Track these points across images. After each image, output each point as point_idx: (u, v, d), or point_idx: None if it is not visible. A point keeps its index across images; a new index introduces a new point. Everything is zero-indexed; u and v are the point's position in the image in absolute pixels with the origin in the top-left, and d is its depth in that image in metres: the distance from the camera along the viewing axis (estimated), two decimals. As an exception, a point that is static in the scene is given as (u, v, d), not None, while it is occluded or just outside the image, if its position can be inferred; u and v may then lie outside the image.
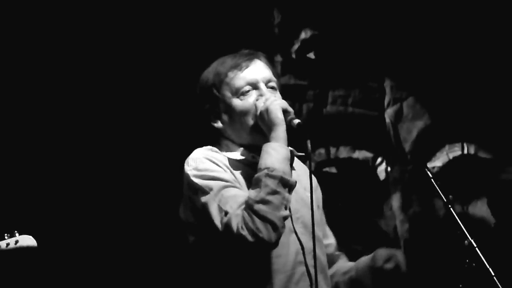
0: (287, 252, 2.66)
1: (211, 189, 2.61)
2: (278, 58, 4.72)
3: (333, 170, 4.67)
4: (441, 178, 4.68)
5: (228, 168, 2.69)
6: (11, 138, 4.20)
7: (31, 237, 2.90)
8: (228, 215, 2.54)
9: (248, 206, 2.53)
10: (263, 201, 2.52)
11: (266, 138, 2.67)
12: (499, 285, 2.87)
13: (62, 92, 4.32)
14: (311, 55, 4.76)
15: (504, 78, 4.64)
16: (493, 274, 2.90)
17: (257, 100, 2.71)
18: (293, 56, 4.74)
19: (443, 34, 4.68)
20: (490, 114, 4.69)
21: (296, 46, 4.76)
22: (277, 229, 2.52)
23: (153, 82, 4.42)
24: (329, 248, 2.93)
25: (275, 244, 2.54)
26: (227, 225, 2.54)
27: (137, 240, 4.30)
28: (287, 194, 2.57)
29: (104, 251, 4.27)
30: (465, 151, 4.76)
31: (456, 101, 4.69)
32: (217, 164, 2.67)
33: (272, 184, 2.54)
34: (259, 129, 2.70)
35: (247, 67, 2.74)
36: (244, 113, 2.71)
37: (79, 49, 4.34)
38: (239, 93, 2.72)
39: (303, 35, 4.76)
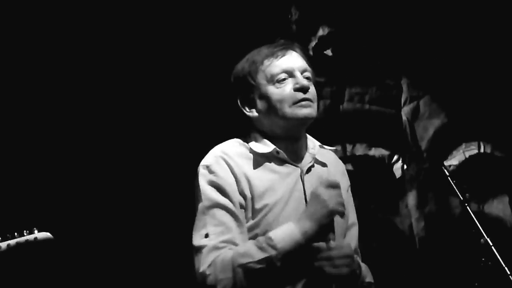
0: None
1: (208, 200, 2.62)
2: (296, 55, 4.71)
3: (350, 167, 4.67)
4: (458, 176, 4.67)
5: (245, 170, 2.67)
6: (23, 138, 4.21)
7: (49, 234, 2.92)
8: (206, 240, 2.56)
9: (232, 259, 2.52)
10: (247, 272, 2.51)
11: (300, 130, 2.67)
12: None
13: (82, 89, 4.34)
14: (329, 52, 4.76)
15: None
16: (509, 273, 2.90)
17: (296, 89, 2.69)
18: (311, 53, 4.74)
19: (461, 32, 4.66)
20: (507, 113, 4.67)
21: (313, 43, 4.75)
22: None
23: (174, 79, 4.44)
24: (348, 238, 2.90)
25: None
26: (199, 248, 2.56)
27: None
28: (267, 276, 2.54)
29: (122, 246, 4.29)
30: (482, 150, 4.75)
31: (473, 100, 4.68)
32: (231, 170, 2.65)
33: (266, 268, 2.51)
34: (294, 119, 2.69)
35: (283, 55, 2.74)
36: (280, 100, 2.69)
37: (95, 46, 4.36)
38: (274, 80, 2.71)
39: (320, 32, 4.76)
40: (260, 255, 2.51)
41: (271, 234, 2.54)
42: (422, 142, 4.76)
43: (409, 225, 4.61)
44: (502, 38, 4.64)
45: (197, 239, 2.58)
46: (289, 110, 2.68)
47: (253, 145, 2.74)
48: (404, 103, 4.79)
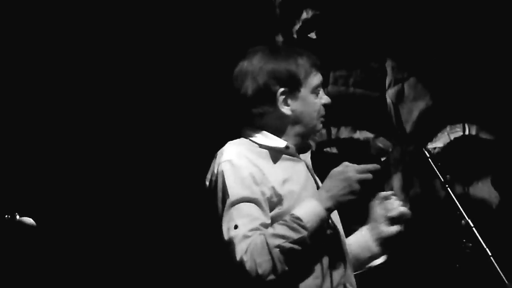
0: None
1: (234, 194, 2.64)
2: (279, 38, 4.70)
3: (334, 150, 4.67)
4: (443, 158, 4.68)
5: (263, 166, 2.70)
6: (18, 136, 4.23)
7: (31, 219, 2.91)
8: (236, 230, 2.58)
9: (267, 241, 2.54)
10: (283, 252, 2.54)
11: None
12: (496, 265, 2.86)
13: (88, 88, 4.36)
14: (313, 35, 4.75)
15: (505, 58, 4.62)
16: (490, 254, 2.89)
17: (324, 104, 2.81)
18: (294, 36, 4.73)
19: (444, 13, 4.66)
20: (491, 95, 4.67)
21: (297, 26, 4.74)
22: (276, 273, 2.54)
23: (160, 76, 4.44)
24: None
25: (267, 285, 2.55)
26: (231, 240, 2.57)
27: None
28: (301, 255, 2.58)
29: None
30: (467, 132, 4.75)
31: (457, 82, 4.68)
32: (253, 164, 2.69)
33: (299, 247, 2.55)
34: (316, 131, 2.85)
35: (319, 71, 2.84)
36: (316, 111, 2.80)
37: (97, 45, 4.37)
38: (314, 90, 2.80)
39: (304, 15, 4.75)
40: (293, 235, 2.55)
41: (298, 214, 2.59)
42: (406, 125, 4.76)
43: (394, 207, 4.61)
44: (483, 18, 4.63)
45: (227, 233, 2.60)
46: (316, 123, 2.82)
47: (263, 140, 2.80)
48: (389, 86, 4.79)
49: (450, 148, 4.73)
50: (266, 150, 2.78)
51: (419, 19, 4.68)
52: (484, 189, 4.71)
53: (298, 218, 2.57)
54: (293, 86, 2.79)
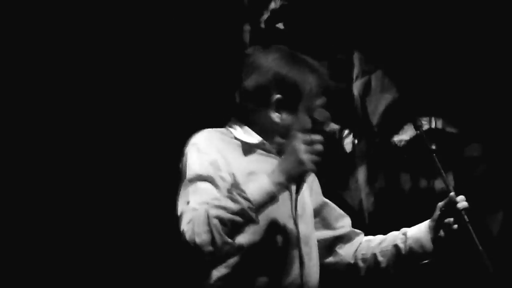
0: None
1: (192, 172, 2.67)
2: (247, 27, 4.68)
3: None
4: (408, 151, 4.70)
5: (231, 156, 2.73)
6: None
7: None
8: (187, 206, 2.60)
9: (207, 211, 2.55)
10: (223, 222, 2.54)
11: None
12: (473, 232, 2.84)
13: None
14: (280, 25, 4.73)
15: (472, 51, 4.64)
16: (467, 220, 2.88)
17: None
18: (262, 26, 4.71)
19: (411, 5, 4.66)
20: (458, 89, 4.69)
21: (265, 16, 4.73)
22: (215, 245, 2.53)
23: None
24: (344, 228, 3.09)
25: (206, 257, 2.57)
26: (181, 214, 2.61)
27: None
28: (243, 230, 2.59)
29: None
30: (433, 125, 4.76)
31: (424, 75, 4.69)
32: (218, 151, 2.72)
33: (241, 219, 2.55)
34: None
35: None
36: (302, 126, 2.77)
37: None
38: (307, 108, 2.78)
39: (272, 5, 4.73)
40: (234, 206, 2.54)
41: (244, 188, 2.60)
42: (373, 117, 4.76)
43: (359, 200, 4.63)
44: (448, 9, 4.65)
45: (179, 209, 2.64)
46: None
47: (239, 134, 2.82)
48: (356, 78, 4.79)
49: (416, 141, 4.74)
50: (239, 142, 2.81)
51: (386, 12, 4.68)
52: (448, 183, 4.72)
53: (242, 191, 2.57)
54: (290, 98, 2.79)
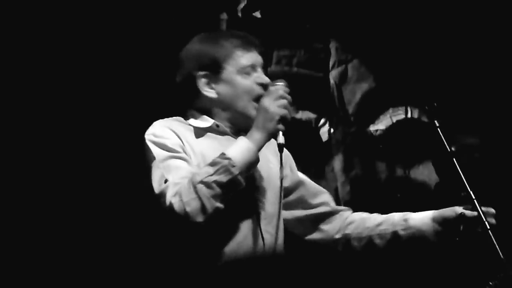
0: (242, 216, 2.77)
1: (160, 156, 2.69)
2: (224, 16, 4.67)
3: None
4: (384, 141, 4.71)
5: (187, 138, 2.77)
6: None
7: None
8: (167, 183, 2.61)
9: (192, 180, 2.57)
10: (208, 185, 2.56)
11: (247, 124, 2.77)
12: (494, 239, 2.79)
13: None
14: (257, 14, 4.73)
15: (449, 41, 4.65)
16: (488, 227, 2.82)
17: (259, 84, 2.84)
18: (239, 14, 4.70)
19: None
20: (435, 78, 4.69)
21: (242, 5, 4.72)
22: (206, 213, 2.56)
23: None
24: (324, 205, 3.09)
25: (200, 225, 2.58)
26: (162, 191, 2.61)
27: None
28: (232, 192, 2.62)
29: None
30: (409, 115, 4.78)
31: (401, 64, 4.69)
32: (175, 133, 2.76)
33: (224, 178, 2.58)
34: (247, 116, 2.83)
35: (252, 51, 2.89)
36: (245, 91, 2.83)
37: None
38: (243, 71, 2.84)
39: (249, -6, 4.73)
40: (215, 168, 2.59)
41: (228, 154, 2.64)
42: (349, 106, 4.77)
43: (335, 189, 4.63)
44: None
45: (158, 188, 2.65)
46: (248, 105, 2.83)
47: (192, 121, 2.86)
48: (332, 67, 4.79)
49: (392, 130, 4.75)
50: (192, 128, 2.85)
51: (363, 1, 4.68)
52: (424, 173, 4.74)
53: (221, 153, 2.63)
54: (212, 69, 2.84)
